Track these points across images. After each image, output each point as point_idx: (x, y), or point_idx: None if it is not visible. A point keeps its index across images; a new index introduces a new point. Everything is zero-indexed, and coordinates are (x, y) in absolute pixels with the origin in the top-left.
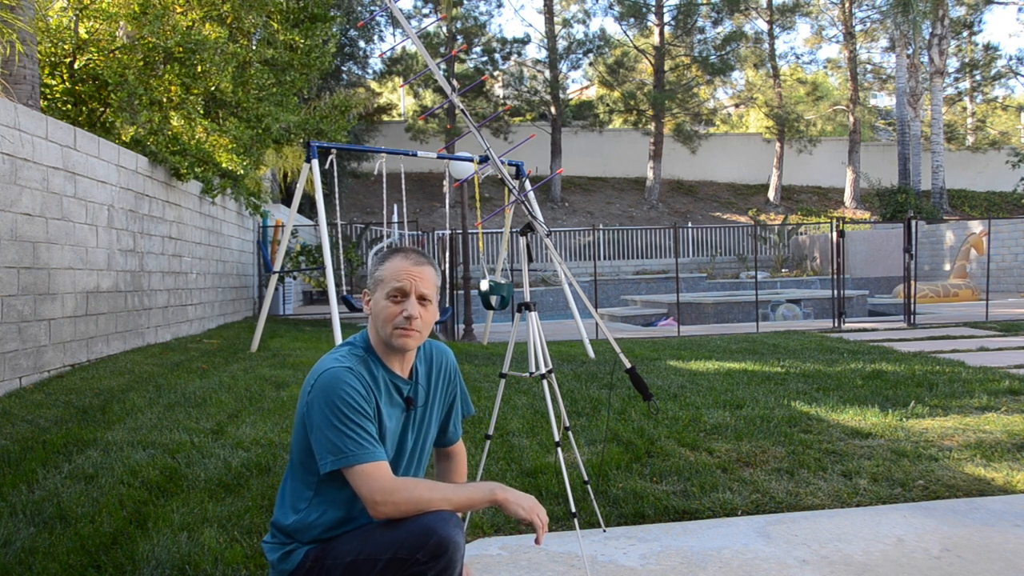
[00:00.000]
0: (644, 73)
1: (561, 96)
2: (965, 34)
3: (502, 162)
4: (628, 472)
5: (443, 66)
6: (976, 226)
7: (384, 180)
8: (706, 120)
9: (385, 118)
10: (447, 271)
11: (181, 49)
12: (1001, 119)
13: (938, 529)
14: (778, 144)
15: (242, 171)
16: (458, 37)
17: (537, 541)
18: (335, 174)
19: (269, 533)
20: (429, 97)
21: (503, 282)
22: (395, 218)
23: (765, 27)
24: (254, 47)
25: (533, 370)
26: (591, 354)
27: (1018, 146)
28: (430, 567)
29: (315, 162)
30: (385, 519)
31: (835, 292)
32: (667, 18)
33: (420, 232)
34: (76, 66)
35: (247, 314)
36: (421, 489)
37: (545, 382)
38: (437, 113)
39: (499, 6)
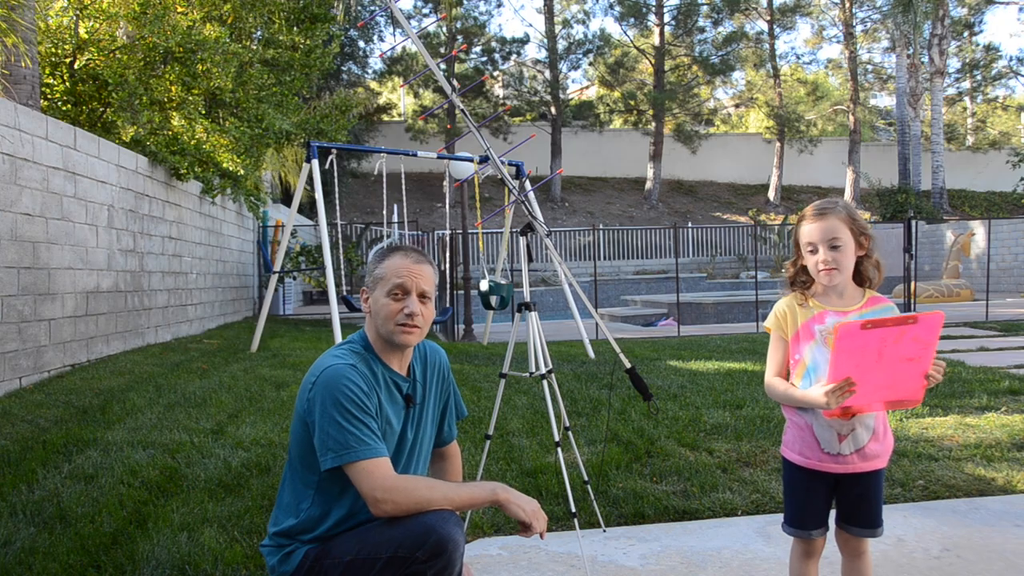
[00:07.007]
0: (644, 73)
1: (561, 96)
2: (966, 34)
3: (502, 162)
4: (628, 472)
5: (443, 66)
6: (976, 226)
7: (384, 180)
8: (706, 120)
9: (385, 118)
10: (447, 271)
11: (181, 49)
12: (1001, 119)
13: (938, 529)
14: (778, 144)
15: (242, 171)
16: (458, 37)
17: (528, 534)
18: (335, 174)
19: (267, 536)
20: (429, 97)
21: (503, 282)
22: (395, 218)
23: (765, 27)
24: (255, 47)
25: (533, 370)
26: (591, 354)
27: (1018, 146)
28: (429, 566)
29: (315, 162)
30: (385, 517)
31: None
32: (667, 18)
33: (420, 232)
34: (76, 66)
35: (247, 314)
36: (422, 488)
37: (545, 382)
38: (437, 113)
39: (499, 6)
